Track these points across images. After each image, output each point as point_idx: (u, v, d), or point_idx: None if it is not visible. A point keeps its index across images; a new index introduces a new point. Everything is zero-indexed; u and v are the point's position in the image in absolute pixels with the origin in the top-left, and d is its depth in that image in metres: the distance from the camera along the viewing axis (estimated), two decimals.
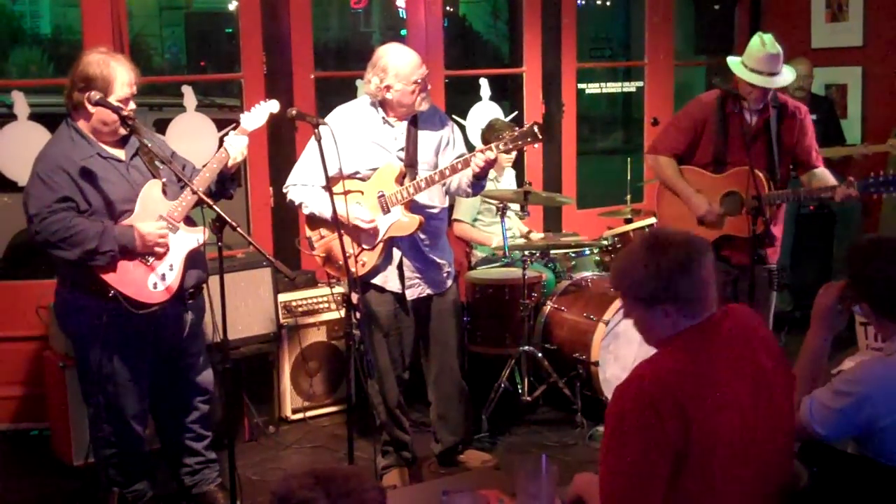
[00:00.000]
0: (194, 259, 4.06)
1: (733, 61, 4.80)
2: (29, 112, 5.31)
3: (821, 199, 4.78)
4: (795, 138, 4.82)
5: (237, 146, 4.11)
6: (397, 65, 4.30)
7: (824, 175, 4.86)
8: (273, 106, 4.27)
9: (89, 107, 3.88)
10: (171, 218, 3.95)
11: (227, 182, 4.21)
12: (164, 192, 4.00)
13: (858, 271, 2.99)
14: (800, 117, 4.86)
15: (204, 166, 4.09)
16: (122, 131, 3.94)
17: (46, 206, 3.80)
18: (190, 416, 4.31)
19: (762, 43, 4.69)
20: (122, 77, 3.90)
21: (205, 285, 4.09)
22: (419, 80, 4.32)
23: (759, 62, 4.67)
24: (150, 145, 3.92)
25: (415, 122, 4.45)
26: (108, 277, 3.84)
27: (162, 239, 3.90)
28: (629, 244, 2.75)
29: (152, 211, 3.94)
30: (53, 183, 3.82)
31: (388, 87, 4.31)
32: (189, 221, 4.05)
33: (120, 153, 4.01)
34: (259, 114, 4.24)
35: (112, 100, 3.86)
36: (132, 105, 3.95)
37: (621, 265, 2.69)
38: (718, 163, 4.87)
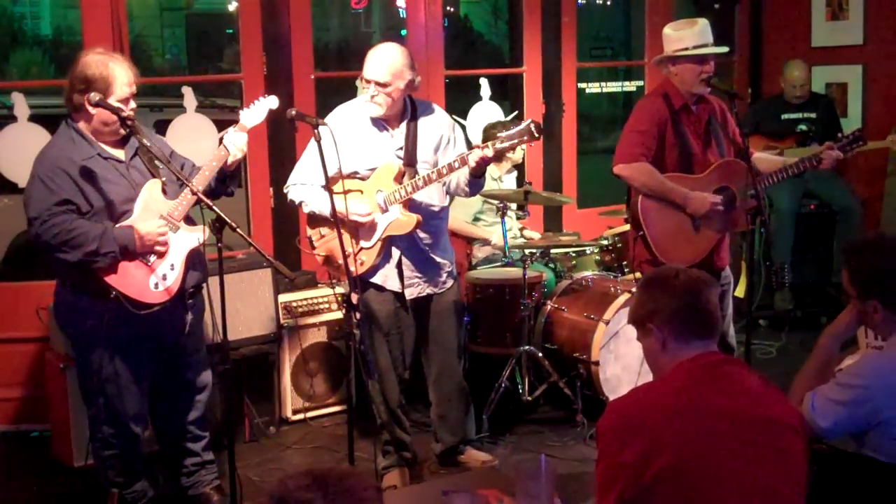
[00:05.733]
0: (194, 259, 4.05)
1: (665, 56, 4.68)
2: (29, 113, 5.32)
3: (806, 169, 4.66)
4: (732, 127, 4.71)
5: (236, 143, 4.09)
6: (365, 61, 4.34)
7: (769, 156, 4.90)
8: (272, 102, 4.23)
9: (90, 108, 3.87)
10: (172, 217, 3.94)
11: (228, 179, 4.19)
12: (164, 191, 3.99)
13: (869, 267, 3.01)
14: (725, 107, 4.77)
15: (203, 165, 4.08)
16: (123, 132, 3.93)
17: (46, 209, 3.79)
18: (187, 416, 4.30)
19: (688, 23, 4.65)
20: (121, 77, 3.89)
21: (204, 285, 4.09)
22: (367, 80, 4.30)
23: (698, 35, 4.59)
24: (149, 145, 3.92)
25: (414, 120, 4.45)
26: (110, 279, 3.84)
27: (162, 238, 3.89)
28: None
29: (152, 211, 3.93)
30: (54, 185, 3.81)
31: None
32: (189, 221, 4.04)
33: (120, 153, 4.00)
34: (258, 110, 4.21)
35: (112, 100, 3.86)
36: (132, 104, 3.95)
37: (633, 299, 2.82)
38: (686, 164, 4.65)
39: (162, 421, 4.35)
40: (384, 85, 4.28)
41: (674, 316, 2.61)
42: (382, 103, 4.31)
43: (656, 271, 2.82)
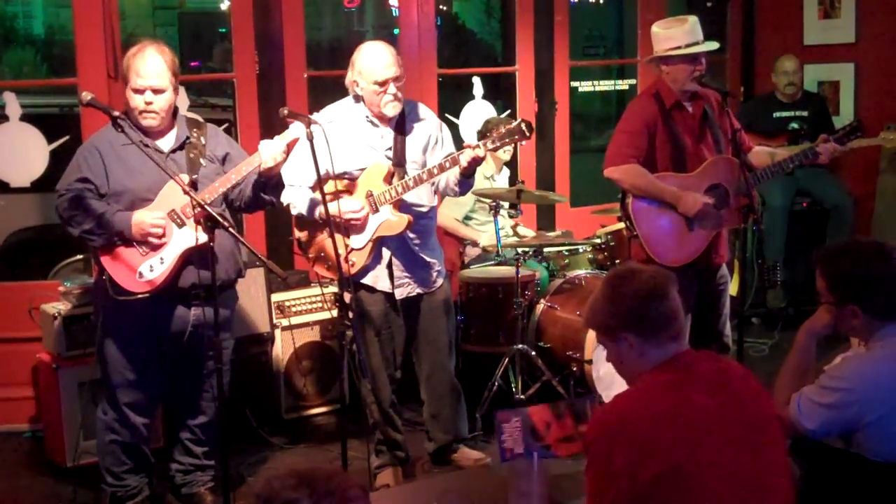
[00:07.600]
0: (199, 258, 3.92)
1: (656, 57, 4.67)
2: (21, 113, 5.31)
3: (802, 163, 4.63)
4: (729, 122, 4.61)
5: (269, 151, 3.95)
6: (363, 62, 4.30)
7: (769, 150, 4.86)
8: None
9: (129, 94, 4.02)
10: (183, 213, 3.95)
11: (268, 188, 4.11)
12: (195, 187, 3.95)
13: (848, 273, 3.00)
14: (723, 102, 4.71)
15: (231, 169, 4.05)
16: (149, 123, 4.01)
17: (68, 184, 3.97)
18: (194, 417, 4.30)
19: (678, 21, 4.65)
20: (137, 68, 3.96)
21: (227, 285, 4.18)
22: (381, 82, 4.26)
23: (689, 34, 4.58)
24: (195, 141, 4.07)
25: (402, 121, 4.44)
26: (104, 259, 3.96)
27: (155, 230, 3.91)
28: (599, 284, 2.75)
29: (168, 204, 3.97)
30: (85, 163, 3.99)
31: (355, 83, 4.35)
32: None
33: (162, 144, 4.07)
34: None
35: (131, 87, 3.97)
36: (149, 96, 3.96)
37: (589, 303, 2.72)
38: (678, 161, 4.64)
39: (171, 413, 4.44)
40: (399, 79, 4.30)
41: (645, 320, 2.56)
42: (402, 98, 4.34)
43: (614, 276, 2.70)
